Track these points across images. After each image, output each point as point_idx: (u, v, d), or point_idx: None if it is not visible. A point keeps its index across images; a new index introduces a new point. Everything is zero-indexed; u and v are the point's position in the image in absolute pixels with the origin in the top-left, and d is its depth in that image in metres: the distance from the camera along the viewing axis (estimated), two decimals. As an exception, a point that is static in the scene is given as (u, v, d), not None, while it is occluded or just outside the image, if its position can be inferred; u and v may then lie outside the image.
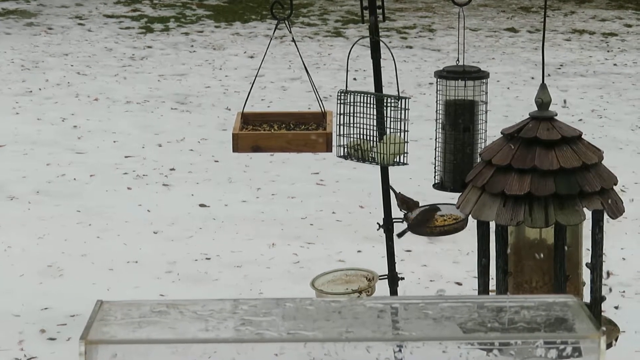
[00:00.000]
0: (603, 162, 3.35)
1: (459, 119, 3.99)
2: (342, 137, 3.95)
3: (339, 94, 3.94)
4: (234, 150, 3.99)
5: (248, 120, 4.17)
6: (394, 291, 4.29)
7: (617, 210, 3.29)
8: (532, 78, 10.75)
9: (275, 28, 4.16)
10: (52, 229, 6.38)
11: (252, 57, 11.74)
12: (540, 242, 3.35)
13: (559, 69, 11.36)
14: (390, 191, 4.19)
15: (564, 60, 11.83)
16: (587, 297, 3.40)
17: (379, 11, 4.02)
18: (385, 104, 3.89)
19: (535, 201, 3.20)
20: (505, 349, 2.41)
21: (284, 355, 2.34)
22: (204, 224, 6.54)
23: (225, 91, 10.15)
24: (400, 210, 4.15)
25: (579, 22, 14.30)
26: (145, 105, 9.54)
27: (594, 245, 3.32)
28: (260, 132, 4.06)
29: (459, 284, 5.64)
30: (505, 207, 3.22)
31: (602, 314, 3.43)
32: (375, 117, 3.92)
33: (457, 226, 4.05)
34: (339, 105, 3.93)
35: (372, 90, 4.08)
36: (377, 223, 4.25)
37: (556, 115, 3.37)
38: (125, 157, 7.91)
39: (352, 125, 3.94)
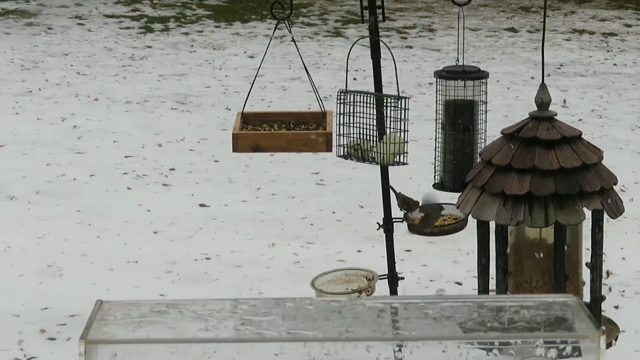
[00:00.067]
0: (603, 161, 3.35)
1: (459, 119, 3.99)
2: (342, 137, 3.95)
3: (339, 94, 3.94)
4: (234, 150, 3.99)
5: (248, 120, 4.17)
6: (394, 291, 4.29)
7: (617, 210, 3.29)
8: (532, 78, 10.75)
9: (275, 28, 4.16)
10: (52, 229, 6.38)
11: (252, 57, 11.74)
12: (540, 242, 3.35)
13: (559, 68, 11.36)
14: (390, 191, 4.19)
15: (564, 60, 11.83)
16: (587, 297, 3.40)
17: (379, 11, 4.02)
18: (385, 104, 3.89)
19: (535, 201, 3.20)
20: (505, 349, 2.41)
21: (284, 355, 2.34)
22: (204, 223, 6.54)
23: (225, 91, 10.15)
24: (401, 210, 4.15)
25: (578, 22, 14.30)
26: (145, 105, 9.54)
27: (594, 244, 3.32)
28: (260, 132, 4.06)
29: (459, 283, 5.64)
30: (505, 207, 3.22)
31: (602, 313, 3.43)
32: (375, 117, 3.92)
33: (457, 226, 4.05)
34: (338, 105, 3.93)
35: (372, 90, 4.08)
36: (377, 223, 4.25)
37: (556, 115, 3.37)
38: (125, 157, 7.91)
39: (352, 125, 3.94)
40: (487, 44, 12.77)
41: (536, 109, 3.38)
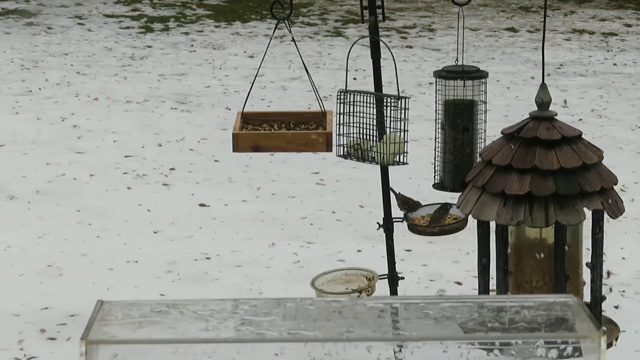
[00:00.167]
0: (603, 161, 3.35)
1: (459, 119, 3.99)
2: (342, 137, 3.95)
3: (339, 94, 3.94)
4: (234, 150, 3.99)
5: (248, 119, 4.17)
6: (394, 291, 4.29)
7: (617, 210, 3.29)
8: (532, 78, 10.75)
9: (275, 28, 4.16)
10: (52, 229, 6.38)
11: (252, 56, 11.73)
12: (541, 242, 3.35)
13: (559, 68, 11.36)
14: (390, 192, 4.19)
15: (564, 60, 11.83)
16: (587, 297, 3.40)
17: (379, 11, 4.02)
18: (385, 104, 3.89)
19: (536, 201, 3.20)
20: (505, 349, 2.41)
21: (285, 355, 2.34)
22: (204, 223, 6.54)
23: (225, 91, 10.15)
24: (401, 210, 4.15)
25: (578, 21, 14.30)
26: (145, 105, 9.54)
27: (594, 245, 3.32)
28: (260, 132, 4.06)
29: (459, 283, 5.64)
30: (506, 207, 3.21)
31: (602, 313, 3.43)
32: (375, 116, 3.93)
33: (457, 226, 4.05)
34: (338, 104, 3.94)
35: (372, 89, 4.09)
36: (377, 223, 4.25)
37: (556, 115, 3.37)
38: (125, 156, 7.91)
39: (352, 124, 3.94)
40: (487, 43, 12.77)
41: (536, 108, 3.38)
